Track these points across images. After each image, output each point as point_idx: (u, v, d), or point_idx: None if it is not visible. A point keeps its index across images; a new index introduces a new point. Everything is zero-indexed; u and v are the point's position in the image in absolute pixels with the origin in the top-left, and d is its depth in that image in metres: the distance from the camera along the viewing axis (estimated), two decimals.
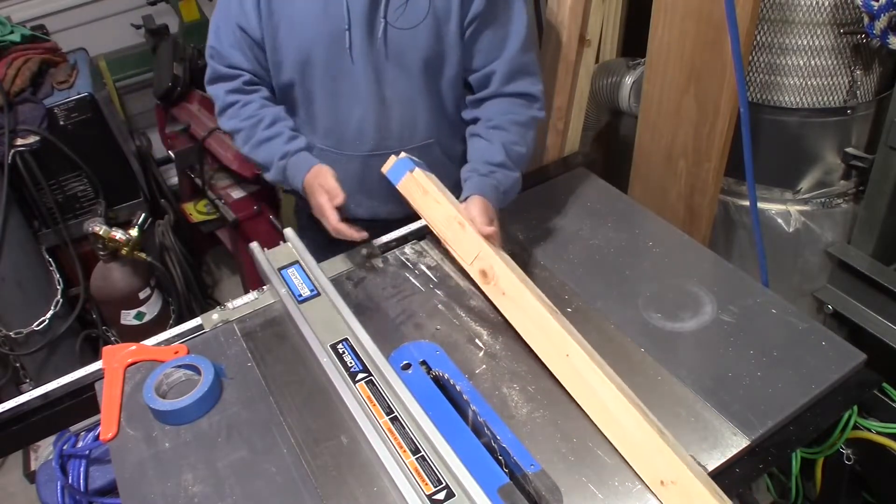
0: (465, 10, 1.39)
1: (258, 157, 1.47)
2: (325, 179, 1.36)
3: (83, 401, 1.26)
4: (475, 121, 1.49)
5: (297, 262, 1.40)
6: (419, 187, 1.36)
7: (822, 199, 1.78)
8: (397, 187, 1.40)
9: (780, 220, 1.79)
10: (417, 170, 1.38)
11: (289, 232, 1.47)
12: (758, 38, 1.64)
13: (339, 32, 1.38)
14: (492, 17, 1.41)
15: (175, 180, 2.92)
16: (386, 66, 1.41)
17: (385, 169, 1.41)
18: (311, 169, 1.40)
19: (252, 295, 1.38)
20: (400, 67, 1.42)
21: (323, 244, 1.46)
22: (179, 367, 1.20)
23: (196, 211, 2.79)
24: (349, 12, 1.36)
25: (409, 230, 1.51)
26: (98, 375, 1.25)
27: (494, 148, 1.41)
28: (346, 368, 1.16)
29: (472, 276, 1.31)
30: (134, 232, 2.17)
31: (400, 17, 1.38)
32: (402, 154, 1.41)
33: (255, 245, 1.44)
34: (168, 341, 1.31)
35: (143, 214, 2.23)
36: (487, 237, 1.28)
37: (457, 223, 1.31)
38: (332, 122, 1.48)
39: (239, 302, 1.37)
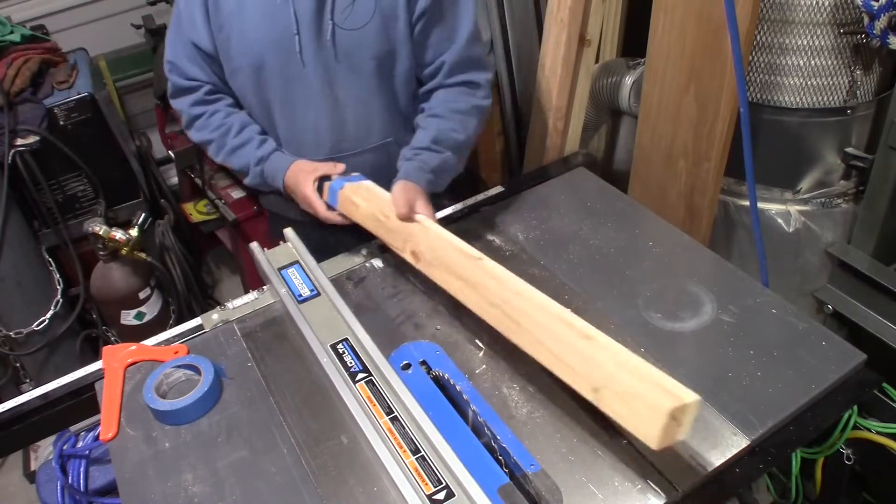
0: (412, 7, 1.40)
1: (233, 165, 1.50)
2: (308, 164, 1.40)
3: (83, 401, 1.26)
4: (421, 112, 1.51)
5: (297, 262, 1.40)
6: (351, 203, 1.36)
7: (822, 199, 1.78)
8: (340, 211, 1.39)
9: (780, 220, 1.79)
10: (347, 184, 1.37)
11: (289, 232, 1.47)
12: (758, 38, 1.64)
13: (289, 37, 1.39)
14: (439, 13, 1.42)
15: (175, 180, 2.92)
16: (336, 68, 1.42)
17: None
18: (289, 166, 1.43)
19: (252, 295, 1.39)
20: (350, 68, 1.42)
21: (319, 247, 1.46)
22: (179, 367, 1.20)
23: (196, 211, 2.79)
24: (297, 16, 1.37)
25: None
26: (98, 375, 1.25)
27: (425, 133, 1.42)
28: (346, 368, 1.16)
29: (409, 262, 1.30)
30: (134, 232, 2.16)
31: (347, 18, 1.38)
32: (332, 178, 1.41)
33: (255, 245, 1.44)
34: (168, 341, 1.31)
35: (143, 214, 2.23)
36: (403, 218, 1.27)
37: (382, 216, 1.31)
38: (290, 129, 1.49)
39: (239, 302, 1.37)
